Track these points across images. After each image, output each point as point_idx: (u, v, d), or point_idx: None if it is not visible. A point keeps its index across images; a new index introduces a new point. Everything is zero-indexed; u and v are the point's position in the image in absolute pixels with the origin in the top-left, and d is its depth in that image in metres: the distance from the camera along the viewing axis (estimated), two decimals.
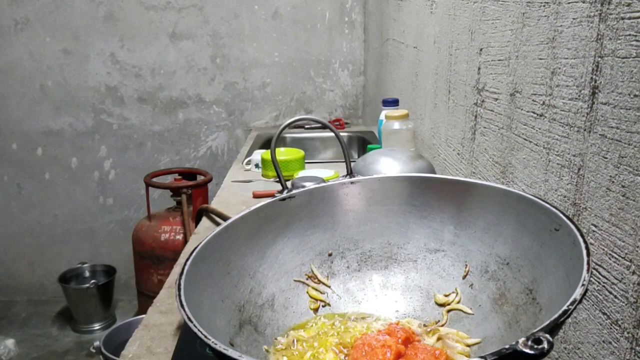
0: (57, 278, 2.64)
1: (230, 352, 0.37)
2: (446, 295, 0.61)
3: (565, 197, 0.67)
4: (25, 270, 2.88)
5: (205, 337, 0.39)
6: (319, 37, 2.68)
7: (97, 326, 2.65)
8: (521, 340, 0.34)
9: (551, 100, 0.71)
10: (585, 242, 0.43)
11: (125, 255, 2.49)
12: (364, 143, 2.11)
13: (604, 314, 0.58)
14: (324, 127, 1.44)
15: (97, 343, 1.87)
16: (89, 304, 2.63)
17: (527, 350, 0.33)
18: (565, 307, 0.37)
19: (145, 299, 2.25)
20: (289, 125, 0.61)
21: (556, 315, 0.36)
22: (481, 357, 0.33)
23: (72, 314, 2.69)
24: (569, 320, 0.66)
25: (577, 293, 0.38)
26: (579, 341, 0.64)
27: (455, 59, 1.19)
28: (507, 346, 0.34)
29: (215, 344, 0.38)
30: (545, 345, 0.33)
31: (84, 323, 2.65)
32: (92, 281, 2.69)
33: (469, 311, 0.58)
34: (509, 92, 0.87)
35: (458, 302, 0.60)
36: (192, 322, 0.41)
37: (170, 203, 2.37)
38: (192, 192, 2.30)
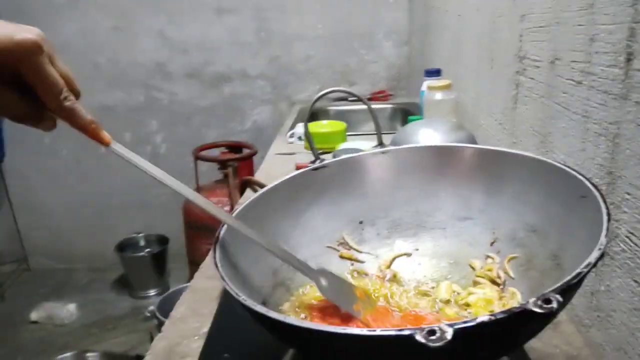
0: (114, 247, 2.78)
1: (257, 307, 0.40)
2: (489, 270, 0.60)
3: (601, 165, 0.66)
4: (85, 239, 3.05)
5: (237, 294, 0.42)
6: (363, 8, 2.65)
7: (152, 292, 2.79)
8: (532, 300, 0.35)
9: (589, 68, 0.70)
10: (606, 207, 0.44)
11: (177, 226, 2.59)
12: (407, 115, 2.09)
13: (636, 281, 0.58)
14: (369, 98, 1.45)
15: (151, 307, 1.97)
16: (144, 271, 2.77)
17: (536, 309, 0.34)
18: (579, 270, 0.38)
19: (196, 267, 2.34)
20: (320, 98, 0.62)
21: (569, 277, 0.37)
22: (491, 314, 0.35)
23: (128, 280, 2.84)
24: (602, 288, 0.66)
25: (593, 257, 0.39)
26: (612, 309, 0.64)
27: (498, 26, 1.17)
28: (517, 305, 0.35)
29: (245, 301, 0.41)
30: (554, 305, 0.34)
31: (139, 289, 2.80)
32: (147, 250, 2.82)
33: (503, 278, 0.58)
34: (549, 60, 0.86)
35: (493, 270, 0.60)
36: (225, 280, 0.44)
37: (218, 175, 2.44)
38: (238, 164, 2.36)
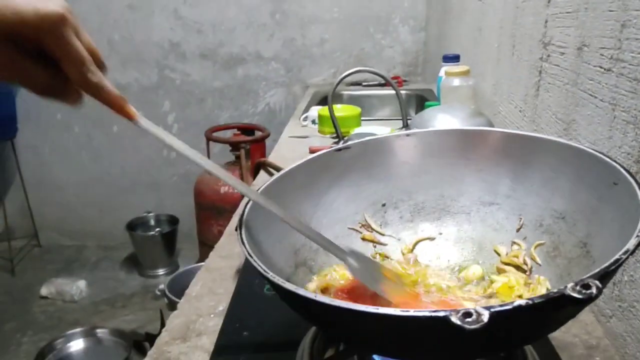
0: (125, 225, 2.80)
1: (287, 285, 0.40)
2: (515, 256, 0.60)
3: (629, 154, 0.65)
4: (95, 217, 3.07)
5: (265, 270, 0.42)
6: None
7: (161, 272, 2.81)
8: (570, 285, 0.34)
9: (620, 54, 0.68)
10: None
11: (187, 207, 2.60)
12: (422, 101, 2.07)
13: None
14: (383, 83, 1.45)
15: (161, 286, 1.98)
16: (154, 250, 2.79)
17: (575, 295, 0.34)
18: (617, 257, 0.37)
19: (206, 248, 2.36)
20: (348, 76, 0.62)
21: (607, 263, 0.36)
22: (528, 299, 0.34)
23: (138, 259, 2.86)
24: (625, 278, 0.65)
25: (631, 243, 0.38)
26: (635, 299, 0.63)
27: (522, 11, 1.15)
28: (555, 290, 0.34)
29: (274, 277, 0.41)
30: (593, 290, 0.34)
31: (149, 268, 2.82)
32: (157, 229, 2.84)
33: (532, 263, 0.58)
34: (576, 46, 0.84)
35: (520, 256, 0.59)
36: (252, 257, 0.44)
37: (230, 157, 2.44)
38: (250, 147, 2.36)
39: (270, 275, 0.41)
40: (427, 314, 0.34)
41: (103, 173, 2.98)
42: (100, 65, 0.47)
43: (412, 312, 0.35)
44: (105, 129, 2.88)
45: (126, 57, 2.74)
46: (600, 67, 0.75)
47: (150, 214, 2.92)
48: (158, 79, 2.80)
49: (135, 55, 2.75)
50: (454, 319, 0.33)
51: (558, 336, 0.68)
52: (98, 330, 2.20)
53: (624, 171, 0.47)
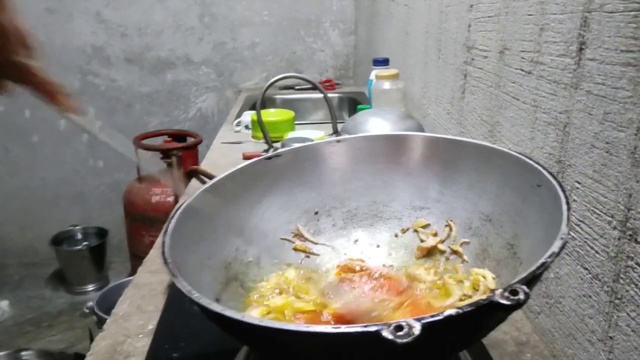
0: (49, 240, 2.64)
1: (213, 306, 0.37)
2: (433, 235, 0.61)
3: (550, 154, 0.67)
4: (16, 233, 2.88)
5: (189, 292, 0.39)
6: None
7: (90, 287, 2.68)
8: (498, 291, 0.34)
9: (539, 57, 0.71)
10: (565, 196, 0.44)
11: (117, 218, 2.49)
12: (355, 104, 2.09)
13: (585, 268, 0.60)
14: (313, 87, 1.45)
15: (90, 304, 1.89)
16: (82, 265, 2.65)
17: (504, 301, 0.34)
18: (542, 260, 0.37)
19: (138, 260, 2.26)
20: (275, 82, 0.60)
21: (533, 268, 0.37)
22: (458, 308, 0.34)
23: (65, 275, 2.71)
24: (552, 275, 0.67)
25: (556, 246, 0.38)
26: (561, 296, 0.65)
27: (446, 16, 1.17)
28: (484, 297, 0.34)
29: (199, 299, 0.38)
30: (521, 296, 0.34)
31: (77, 285, 2.68)
32: (84, 243, 2.70)
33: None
34: (498, 50, 0.86)
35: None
36: (176, 277, 0.41)
37: (161, 165, 2.36)
38: (182, 154, 2.30)
39: (195, 296, 0.39)
40: (359, 329, 0.33)
41: (22, 186, 2.80)
42: (26, 47, 0.41)
43: (343, 329, 0.34)
44: (24, 140, 2.71)
45: (46, 63, 2.59)
46: (521, 70, 0.77)
47: (77, 227, 2.78)
48: (81, 85, 2.67)
49: (55, 60, 2.61)
50: (386, 334, 0.32)
51: (489, 334, 0.69)
52: (23, 353, 2.06)
53: (546, 173, 0.48)
